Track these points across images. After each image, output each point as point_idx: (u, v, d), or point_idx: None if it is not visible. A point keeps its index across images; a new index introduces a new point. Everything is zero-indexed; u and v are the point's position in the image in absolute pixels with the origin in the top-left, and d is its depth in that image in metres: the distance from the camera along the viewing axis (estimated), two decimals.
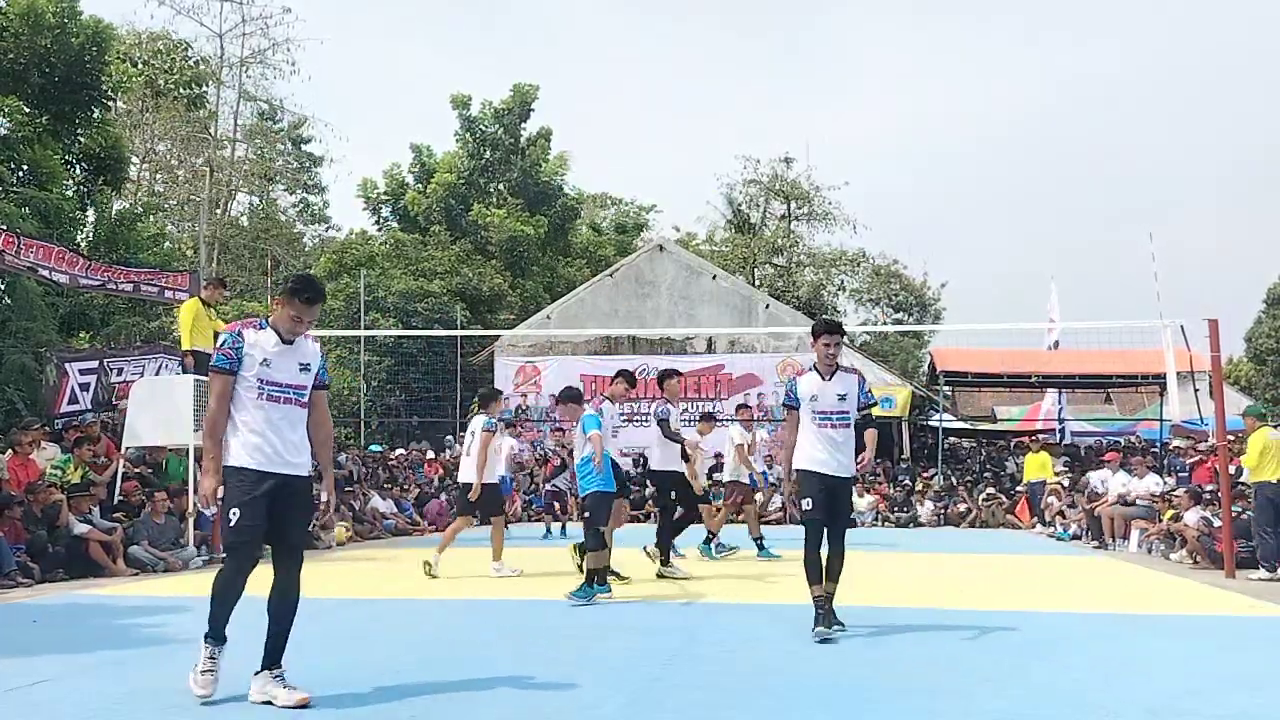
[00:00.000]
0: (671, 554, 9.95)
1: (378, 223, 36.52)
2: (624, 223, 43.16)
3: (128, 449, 12.02)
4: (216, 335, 10.97)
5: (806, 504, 6.33)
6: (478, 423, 9.87)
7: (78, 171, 19.10)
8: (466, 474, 9.90)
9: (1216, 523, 11.18)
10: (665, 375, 10.25)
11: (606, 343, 24.93)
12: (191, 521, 11.19)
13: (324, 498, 5.10)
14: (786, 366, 24.13)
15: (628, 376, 9.39)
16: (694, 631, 6.58)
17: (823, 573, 6.31)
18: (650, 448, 10.41)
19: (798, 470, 6.44)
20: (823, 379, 6.50)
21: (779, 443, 14.36)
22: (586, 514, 8.09)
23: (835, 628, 6.18)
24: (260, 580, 4.59)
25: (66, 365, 13.79)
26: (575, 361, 24.76)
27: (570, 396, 8.82)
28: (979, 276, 78.56)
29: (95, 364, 14.21)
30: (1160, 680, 5.11)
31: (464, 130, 34.97)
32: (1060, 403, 26.86)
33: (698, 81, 79.58)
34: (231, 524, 4.50)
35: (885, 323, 39.72)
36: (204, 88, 30.78)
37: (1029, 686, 4.93)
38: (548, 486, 17.63)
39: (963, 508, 19.92)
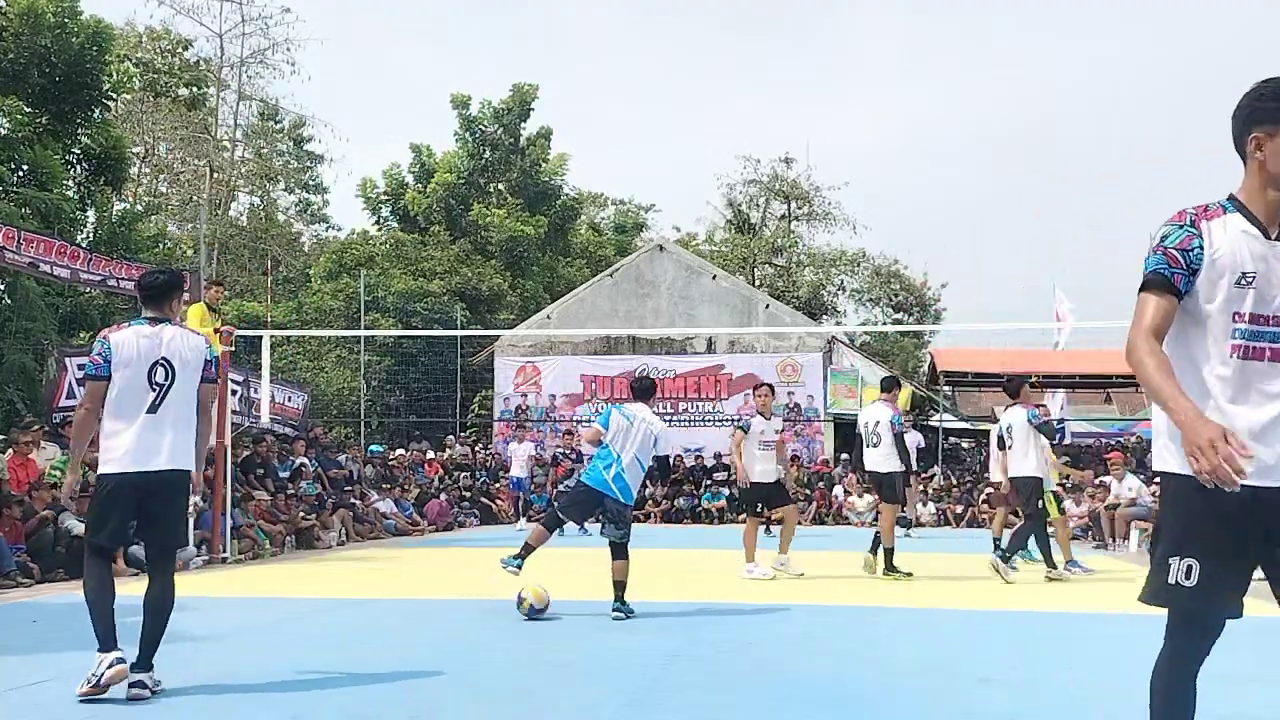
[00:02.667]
0: (1017, 557, 10.27)
1: (378, 223, 36.53)
2: (624, 223, 43.16)
3: None
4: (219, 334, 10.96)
5: (1185, 569, 2.64)
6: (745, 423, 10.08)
7: (78, 171, 19.08)
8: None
9: None
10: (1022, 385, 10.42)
11: (606, 343, 24.92)
12: (192, 521, 11.18)
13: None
14: (786, 367, 24.08)
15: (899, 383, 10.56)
16: (694, 631, 6.58)
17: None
18: (1013, 453, 10.07)
19: (1164, 475, 2.70)
20: (1266, 236, 2.59)
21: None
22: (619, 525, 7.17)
23: None
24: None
25: (67, 360, 13.76)
26: (575, 361, 24.76)
27: (647, 388, 7.76)
28: (979, 277, 78.53)
29: None
30: None
31: (464, 130, 34.95)
32: (1060, 402, 26.83)
33: (698, 81, 79.55)
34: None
35: (885, 323, 39.73)
36: (204, 88, 30.78)
37: (1029, 687, 4.93)
38: (559, 489, 17.61)
39: (959, 508, 19.92)
